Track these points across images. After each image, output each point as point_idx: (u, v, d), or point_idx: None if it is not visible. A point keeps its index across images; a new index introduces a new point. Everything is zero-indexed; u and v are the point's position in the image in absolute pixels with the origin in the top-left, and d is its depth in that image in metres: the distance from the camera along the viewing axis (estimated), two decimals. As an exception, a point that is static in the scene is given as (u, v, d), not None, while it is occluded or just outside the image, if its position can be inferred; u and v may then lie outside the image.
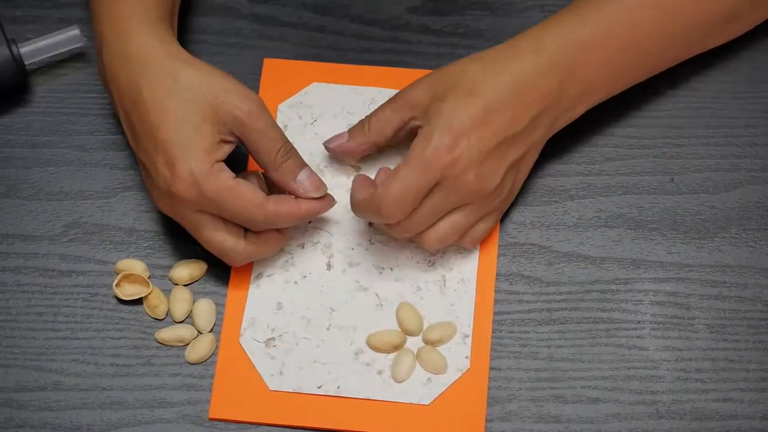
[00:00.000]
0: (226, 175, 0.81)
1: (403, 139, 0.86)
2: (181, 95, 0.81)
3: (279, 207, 0.82)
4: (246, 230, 0.84)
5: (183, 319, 0.86)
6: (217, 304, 0.87)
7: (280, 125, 0.92)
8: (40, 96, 0.94)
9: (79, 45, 0.94)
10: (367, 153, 0.88)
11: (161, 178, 0.82)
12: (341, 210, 0.88)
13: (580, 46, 0.84)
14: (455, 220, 0.84)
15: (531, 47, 0.83)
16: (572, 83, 0.84)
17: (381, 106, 0.86)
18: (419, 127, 0.83)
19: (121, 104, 0.84)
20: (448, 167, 0.81)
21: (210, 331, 0.86)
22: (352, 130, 0.87)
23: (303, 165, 0.84)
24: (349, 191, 0.89)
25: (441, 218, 0.84)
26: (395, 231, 0.83)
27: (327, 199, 0.85)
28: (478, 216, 0.85)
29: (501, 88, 0.82)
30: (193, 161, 0.80)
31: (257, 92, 0.93)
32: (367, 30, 0.96)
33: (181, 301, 0.86)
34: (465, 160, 0.81)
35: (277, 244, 0.85)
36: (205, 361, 0.85)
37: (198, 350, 0.85)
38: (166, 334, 0.85)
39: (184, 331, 0.85)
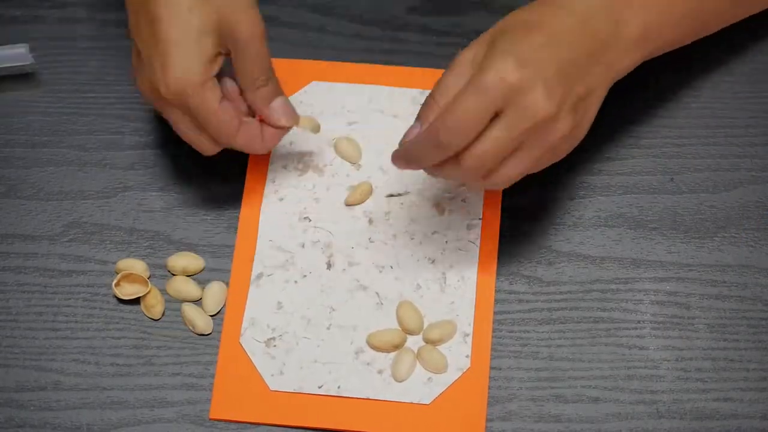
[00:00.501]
0: (214, 96, 0.83)
1: None
2: None
3: (247, 142, 0.85)
4: None
5: (194, 300, 0.87)
6: (217, 304, 0.87)
7: (281, 125, 0.92)
8: (40, 96, 0.94)
9: (25, 63, 0.93)
10: None
11: (153, 74, 0.83)
12: (341, 210, 0.88)
13: None
14: (520, 157, 0.79)
15: None
16: (630, 25, 0.82)
17: (440, 78, 0.81)
18: None
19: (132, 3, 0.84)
20: (511, 90, 0.77)
21: (217, 314, 0.86)
22: (422, 114, 0.81)
23: (280, 94, 0.86)
24: (349, 190, 0.89)
25: (506, 159, 0.79)
26: (465, 173, 0.79)
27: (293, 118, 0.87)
28: (542, 151, 0.80)
29: (562, 20, 0.80)
30: (186, 72, 0.82)
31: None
32: (367, 30, 0.96)
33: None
34: (529, 82, 0.77)
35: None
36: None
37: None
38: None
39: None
